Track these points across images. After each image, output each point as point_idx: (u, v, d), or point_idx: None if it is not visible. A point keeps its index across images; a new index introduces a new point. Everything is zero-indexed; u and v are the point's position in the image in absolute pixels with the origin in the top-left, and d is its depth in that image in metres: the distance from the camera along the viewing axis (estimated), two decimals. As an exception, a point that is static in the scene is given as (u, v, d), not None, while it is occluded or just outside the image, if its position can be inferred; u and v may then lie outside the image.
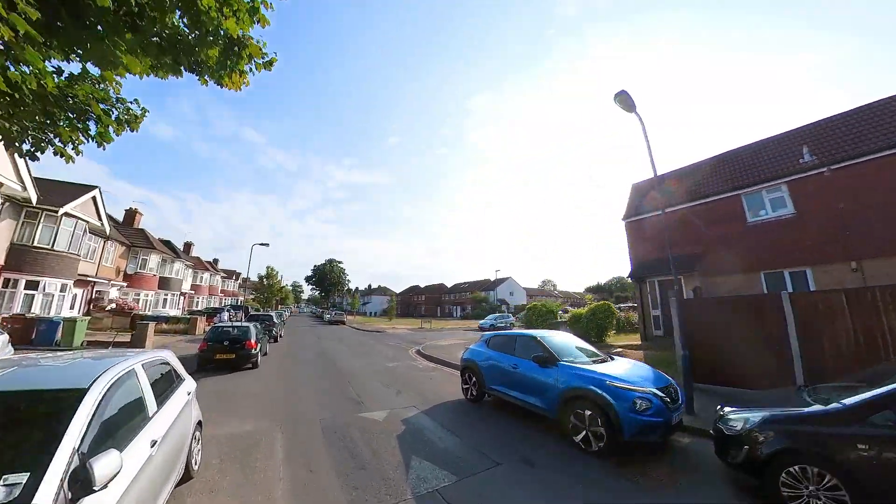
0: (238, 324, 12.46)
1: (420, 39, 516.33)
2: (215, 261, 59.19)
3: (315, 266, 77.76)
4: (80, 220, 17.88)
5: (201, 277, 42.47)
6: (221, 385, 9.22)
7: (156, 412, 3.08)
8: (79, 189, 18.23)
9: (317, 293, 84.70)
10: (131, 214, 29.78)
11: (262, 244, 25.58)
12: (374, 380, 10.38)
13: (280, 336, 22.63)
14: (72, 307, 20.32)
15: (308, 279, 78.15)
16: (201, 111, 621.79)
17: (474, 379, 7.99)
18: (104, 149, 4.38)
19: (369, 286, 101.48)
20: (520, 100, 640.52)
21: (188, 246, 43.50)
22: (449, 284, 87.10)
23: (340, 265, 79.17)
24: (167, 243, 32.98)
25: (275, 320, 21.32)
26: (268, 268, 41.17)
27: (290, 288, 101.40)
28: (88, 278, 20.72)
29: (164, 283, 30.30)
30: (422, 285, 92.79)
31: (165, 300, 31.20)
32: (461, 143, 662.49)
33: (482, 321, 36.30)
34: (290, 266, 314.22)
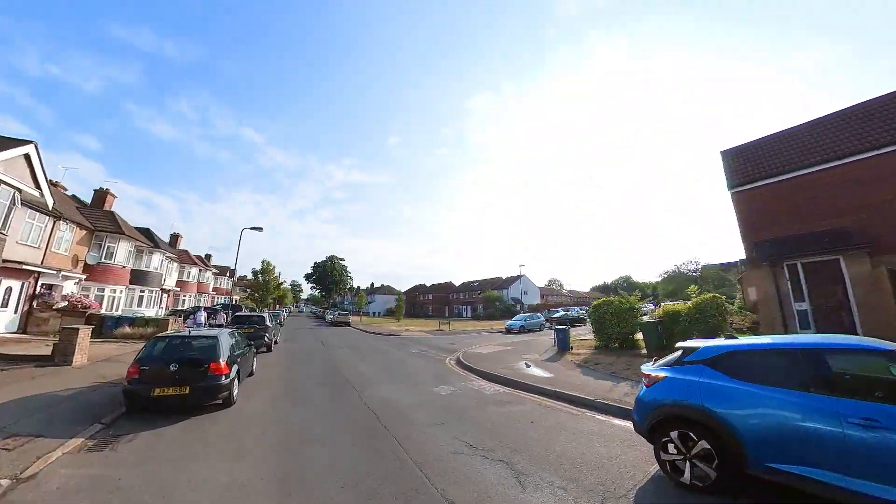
0: (199, 332, 7.72)
1: (419, 38, 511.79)
2: (207, 256, 54.39)
3: (315, 263, 72.91)
4: (2, 185, 13.14)
5: (189, 273, 37.66)
6: (131, 478, 4.52)
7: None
8: (5, 143, 13.47)
9: (317, 292, 79.68)
10: (101, 195, 24.90)
11: (253, 228, 20.74)
12: (443, 431, 5.74)
13: (275, 342, 17.93)
14: (4, 305, 15.60)
15: (308, 277, 73.20)
16: (201, 111, 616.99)
17: (709, 444, 3.72)
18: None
19: (372, 285, 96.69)
20: (519, 100, 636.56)
21: (175, 238, 38.74)
22: (456, 283, 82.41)
23: (342, 262, 74.38)
24: (145, 231, 28.19)
25: (267, 323, 16.49)
26: (263, 262, 37.08)
27: (289, 287, 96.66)
28: (27, 267, 15.94)
29: (138, 278, 25.51)
30: (427, 284, 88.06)
31: (141, 297, 26.39)
32: (461, 143, 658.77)
33: (510, 322, 31.66)
34: (289, 266, 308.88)
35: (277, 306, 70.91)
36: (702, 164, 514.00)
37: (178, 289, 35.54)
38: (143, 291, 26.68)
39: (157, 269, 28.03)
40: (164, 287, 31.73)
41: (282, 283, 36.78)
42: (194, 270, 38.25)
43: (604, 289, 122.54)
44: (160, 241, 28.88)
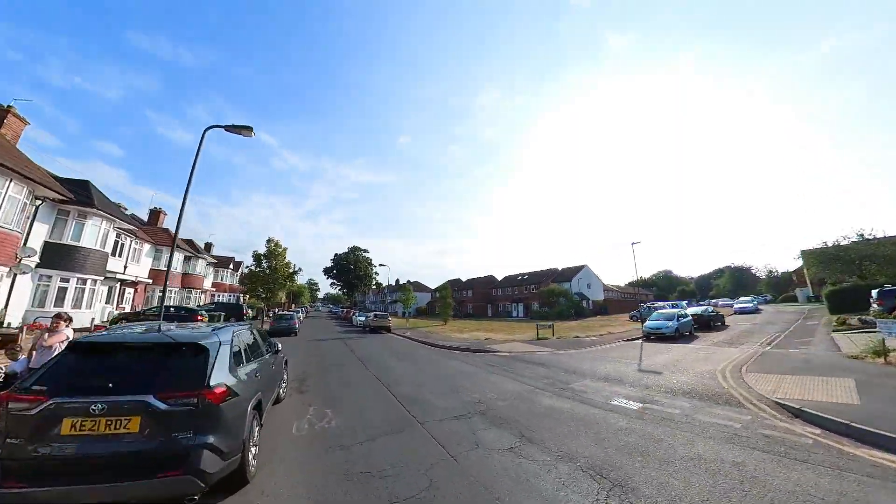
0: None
1: (428, 34, 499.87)
2: (207, 246, 44.38)
3: (336, 255, 62.27)
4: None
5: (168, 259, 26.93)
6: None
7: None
8: None
9: (337, 290, 69.06)
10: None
11: (235, 128, 9.34)
12: None
13: (283, 392, 6.68)
14: None
15: (327, 272, 62.70)
16: (216, 115, 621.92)
17: None
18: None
19: (397, 281, 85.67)
20: (531, 95, 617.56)
21: (157, 214, 28.33)
22: (498, 277, 70.60)
23: (366, 255, 63.57)
24: (79, 183, 17.41)
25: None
26: (269, 241, 23.94)
27: (306, 284, 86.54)
28: None
29: (54, 256, 14.75)
30: (463, 278, 76.41)
31: (63, 290, 15.63)
32: (473, 140, 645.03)
33: (650, 322, 19.91)
34: (304, 266, 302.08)
35: (293, 305, 60.39)
36: (721, 160, 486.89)
37: (150, 280, 24.85)
38: (70, 280, 15.88)
39: (96, 245, 17.18)
40: (122, 277, 21.04)
41: (296, 272, 25.73)
42: (178, 256, 27.55)
43: (643, 284, 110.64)
44: (103, 201, 18.04)
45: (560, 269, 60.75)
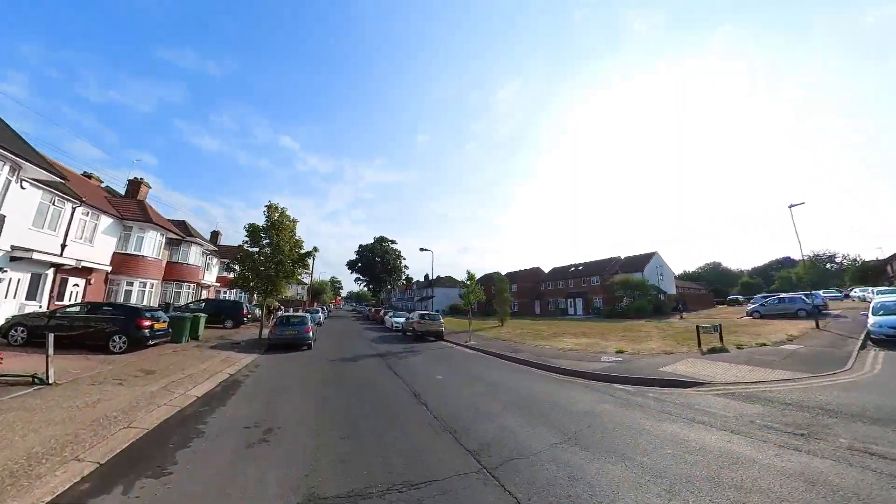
0: None
1: (444, 30, 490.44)
2: (214, 235, 38.01)
3: (360, 247, 55.07)
4: None
5: (143, 242, 19.91)
6: None
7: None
8: None
9: (362, 286, 62.03)
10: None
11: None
12: None
13: None
14: None
15: (351, 265, 55.61)
16: (241, 122, 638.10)
17: None
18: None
19: (426, 277, 78.01)
20: (550, 87, 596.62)
21: (136, 186, 21.51)
22: (545, 269, 61.59)
23: (395, 246, 56.11)
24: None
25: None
26: (270, 206, 15.96)
27: (328, 281, 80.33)
28: None
29: None
30: (503, 271, 67.69)
31: None
32: (490, 136, 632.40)
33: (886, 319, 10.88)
34: (326, 267, 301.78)
35: (315, 303, 53.65)
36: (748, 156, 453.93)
37: (110, 267, 17.79)
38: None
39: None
40: (58, 261, 13.98)
41: (310, 254, 17.46)
42: (154, 237, 20.39)
43: (688, 278, 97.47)
44: (39, 159, 10.81)
45: (623, 257, 51.18)
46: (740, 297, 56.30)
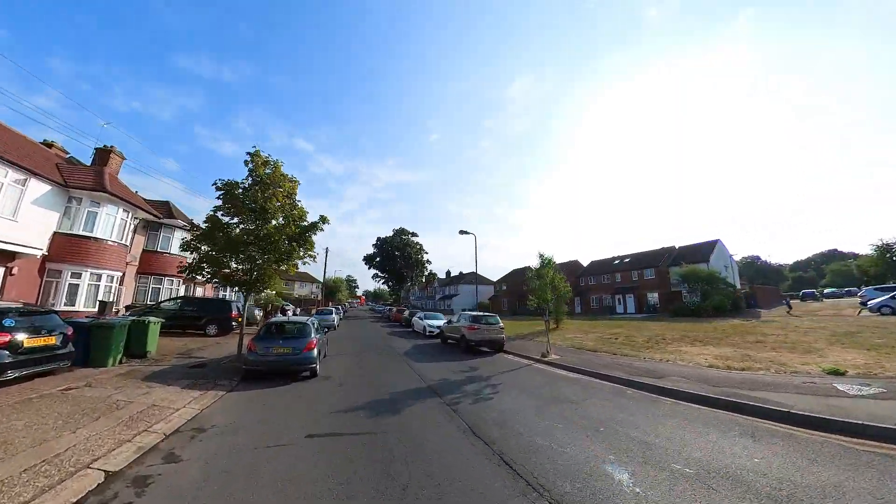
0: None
1: (455, 25, 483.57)
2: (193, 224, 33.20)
3: (379, 240, 49.87)
4: None
5: (88, 218, 14.94)
6: None
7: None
8: None
9: (381, 282, 56.73)
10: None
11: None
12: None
13: None
14: None
15: (369, 260, 50.37)
16: (257, 126, 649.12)
17: None
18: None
19: (448, 273, 72.52)
20: (563, 82, 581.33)
21: (106, 156, 16.66)
22: (583, 262, 55.24)
23: (416, 239, 50.72)
24: None
25: None
26: (255, 155, 10.09)
27: (345, 279, 75.87)
28: None
29: None
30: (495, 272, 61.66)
31: None
32: (504, 133, 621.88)
33: None
34: (342, 267, 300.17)
35: (329, 302, 48.83)
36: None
37: (46, 252, 12.89)
38: None
39: None
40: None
41: (317, 226, 12.02)
42: (114, 214, 15.39)
43: (804, 265, 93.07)
44: None
45: (678, 247, 44.45)
46: (815, 292, 48.96)
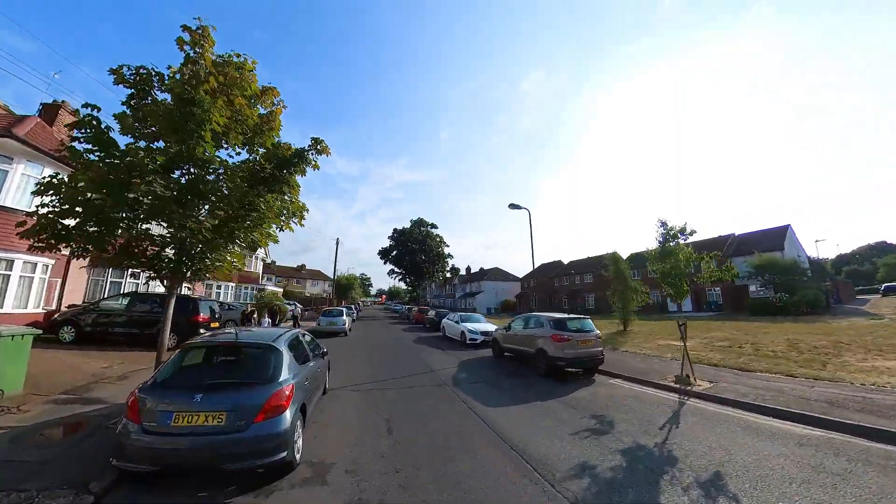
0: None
1: (468, 20, 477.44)
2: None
3: (395, 231, 45.35)
4: None
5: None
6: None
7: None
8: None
9: (398, 278, 52.03)
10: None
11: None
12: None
13: None
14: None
15: (385, 254, 45.80)
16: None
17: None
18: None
19: (468, 269, 67.77)
20: (576, 75, 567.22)
21: (57, 110, 12.58)
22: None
23: (435, 231, 46.10)
24: None
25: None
26: (188, 27, 5.51)
27: (358, 277, 72.02)
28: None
29: None
30: (565, 260, 56.23)
31: None
32: (515, 130, 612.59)
33: None
34: (355, 266, 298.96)
35: (342, 302, 44.70)
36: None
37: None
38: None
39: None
40: None
41: (302, 156, 7.25)
42: (33, 174, 11.22)
43: (848, 259, 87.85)
44: None
45: (737, 234, 38.69)
46: (897, 287, 42.43)
